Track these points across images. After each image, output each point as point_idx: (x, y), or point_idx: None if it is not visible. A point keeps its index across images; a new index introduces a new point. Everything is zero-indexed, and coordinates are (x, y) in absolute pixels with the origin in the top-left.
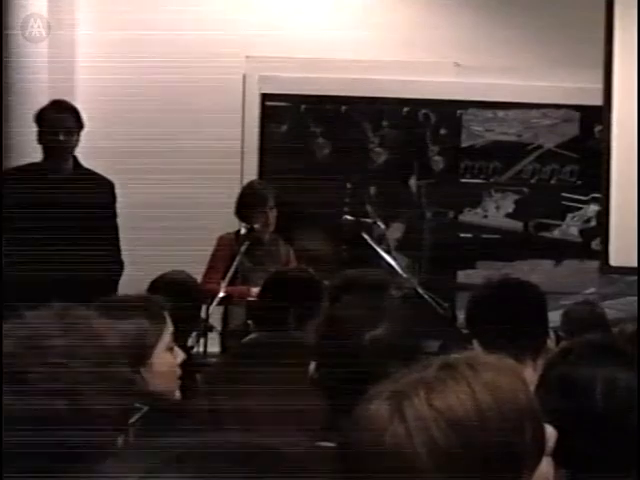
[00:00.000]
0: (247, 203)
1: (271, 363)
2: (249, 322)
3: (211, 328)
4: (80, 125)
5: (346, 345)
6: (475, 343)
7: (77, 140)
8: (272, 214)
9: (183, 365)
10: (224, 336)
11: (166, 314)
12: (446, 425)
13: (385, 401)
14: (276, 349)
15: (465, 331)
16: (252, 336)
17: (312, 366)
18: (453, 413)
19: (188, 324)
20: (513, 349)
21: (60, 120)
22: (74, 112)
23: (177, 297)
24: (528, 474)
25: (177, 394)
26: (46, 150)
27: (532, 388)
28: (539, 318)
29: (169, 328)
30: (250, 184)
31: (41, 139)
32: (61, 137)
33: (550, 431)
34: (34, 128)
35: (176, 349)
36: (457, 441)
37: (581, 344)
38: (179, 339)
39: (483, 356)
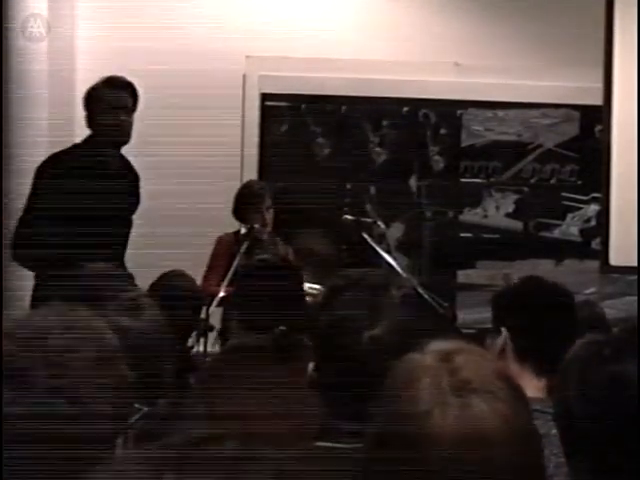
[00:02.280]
0: (244, 203)
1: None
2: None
3: (211, 328)
4: (135, 106)
5: (344, 345)
6: (504, 331)
7: (132, 124)
8: (269, 214)
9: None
10: (223, 336)
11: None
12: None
13: (427, 355)
14: (250, 355)
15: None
16: (231, 342)
17: (310, 366)
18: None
19: (188, 324)
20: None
21: (119, 99)
22: (132, 90)
23: (177, 297)
24: None
25: None
26: (99, 132)
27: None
28: (571, 330)
29: None
30: (247, 184)
31: (92, 121)
32: (122, 117)
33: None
34: (35, 128)
35: None
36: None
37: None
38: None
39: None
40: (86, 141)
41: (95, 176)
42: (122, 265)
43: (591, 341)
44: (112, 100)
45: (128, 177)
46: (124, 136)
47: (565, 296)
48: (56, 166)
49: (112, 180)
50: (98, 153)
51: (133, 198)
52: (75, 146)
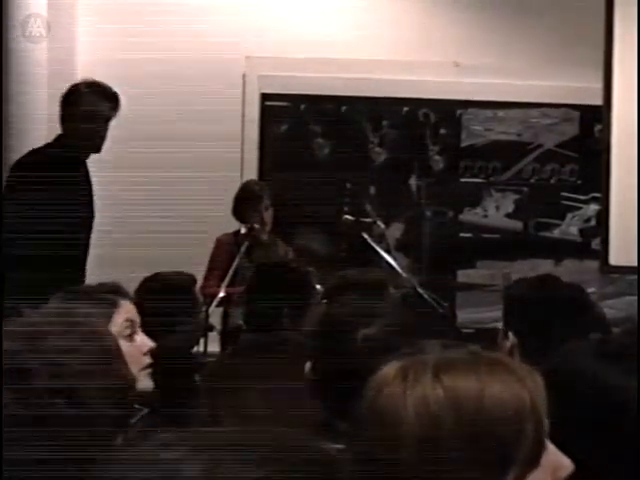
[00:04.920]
0: (244, 203)
1: (263, 366)
2: (240, 322)
3: (211, 328)
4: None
5: (339, 344)
6: (511, 336)
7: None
8: (268, 214)
9: (164, 358)
10: (224, 336)
11: (122, 300)
12: (444, 397)
13: (393, 368)
14: (265, 352)
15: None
16: (243, 339)
17: (307, 365)
18: (455, 388)
19: (187, 322)
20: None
21: (105, 109)
22: (117, 101)
23: (175, 296)
24: (517, 478)
25: (143, 383)
26: (75, 137)
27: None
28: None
29: (123, 314)
30: (246, 184)
31: (70, 123)
32: (103, 127)
33: (567, 463)
34: (34, 128)
35: (141, 337)
36: (451, 415)
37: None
38: (170, 335)
39: (497, 354)
40: (60, 144)
41: (63, 184)
42: (83, 276)
43: (585, 340)
44: (98, 109)
45: (89, 187)
46: (99, 146)
47: (577, 300)
48: (25, 170)
49: (79, 189)
50: (70, 159)
51: (90, 209)
52: (48, 146)
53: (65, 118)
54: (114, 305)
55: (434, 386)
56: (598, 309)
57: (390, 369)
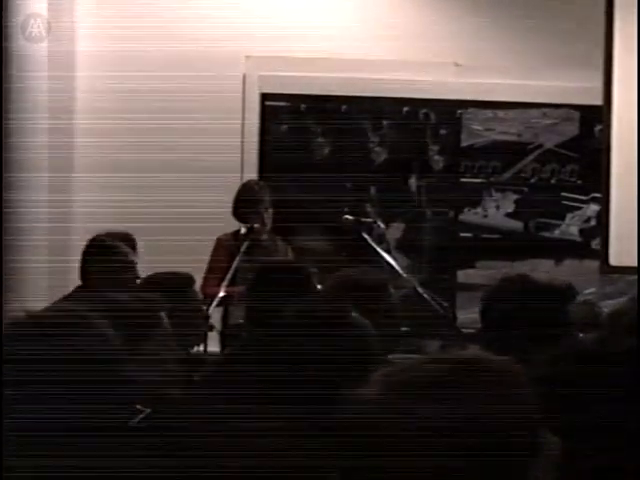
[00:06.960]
0: (244, 203)
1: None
2: (241, 321)
3: (211, 328)
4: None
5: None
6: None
7: None
8: (268, 214)
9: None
10: (224, 336)
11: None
12: (438, 410)
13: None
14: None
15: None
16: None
17: None
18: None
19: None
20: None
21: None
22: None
23: (175, 296)
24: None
25: None
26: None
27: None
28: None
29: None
30: (246, 184)
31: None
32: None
33: (555, 439)
34: (34, 128)
35: None
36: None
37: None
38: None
39: (484, 354)
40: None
41: None
42: None
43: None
44: (130, 258)
45: None
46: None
47: (547, 301)
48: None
49: None
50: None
51: None
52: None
53: (93, 271)
54: None
55: (426, 404)
56: (597, 309)
57: (374, 392)
